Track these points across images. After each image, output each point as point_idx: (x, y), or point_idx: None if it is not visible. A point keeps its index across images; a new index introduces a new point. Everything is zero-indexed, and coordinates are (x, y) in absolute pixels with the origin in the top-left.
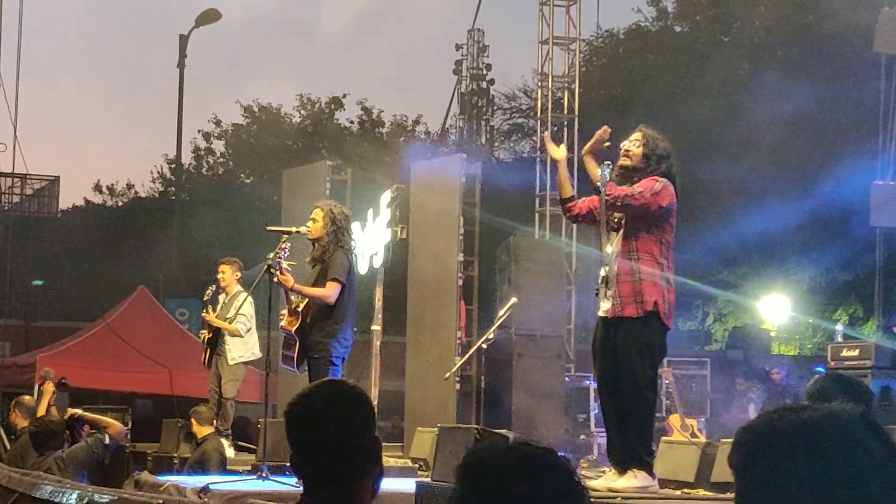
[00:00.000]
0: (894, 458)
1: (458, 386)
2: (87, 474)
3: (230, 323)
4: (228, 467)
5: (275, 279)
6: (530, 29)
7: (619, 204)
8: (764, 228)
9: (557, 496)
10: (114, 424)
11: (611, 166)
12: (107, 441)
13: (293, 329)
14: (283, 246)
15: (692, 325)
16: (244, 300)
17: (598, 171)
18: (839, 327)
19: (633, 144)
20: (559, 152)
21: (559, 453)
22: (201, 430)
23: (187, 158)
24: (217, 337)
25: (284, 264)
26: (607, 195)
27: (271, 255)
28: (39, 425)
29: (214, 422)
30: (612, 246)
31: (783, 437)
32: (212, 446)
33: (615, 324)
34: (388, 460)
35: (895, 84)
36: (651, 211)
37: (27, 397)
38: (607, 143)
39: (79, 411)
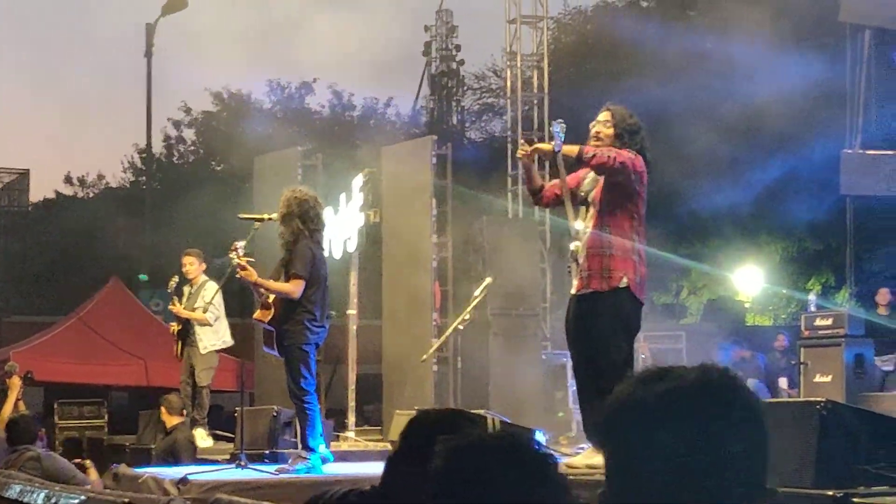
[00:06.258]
0: (753, 417)
1: (435, 367)
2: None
3: (202, 312)
4: (207, 457)
5: (236, 275)
6: (498, 8)
7: (608, 164)
8: (734, 200)
9: (534, 482)
10: None
11: (562, 123)
12: None
13: (268, 320)
14: (236, 246)
15: (667, 299)
16: (212, 289)
17: (535, 172)
18: (812, 297)
19: (603, 126)
20: (547, 146)
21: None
22: (171, 420)
23: (158, 148)
24: (187, 328)
25: (243, 261)
26: (588, 156)
27: (240, 244)
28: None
29: (184, 411)
30: (584, 221)
31: (644, 408)
32: (182, 435)
33: (585, 300)
34: (368, 444)
35: (859, 51)
36: (629, 173)
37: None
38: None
39: None
